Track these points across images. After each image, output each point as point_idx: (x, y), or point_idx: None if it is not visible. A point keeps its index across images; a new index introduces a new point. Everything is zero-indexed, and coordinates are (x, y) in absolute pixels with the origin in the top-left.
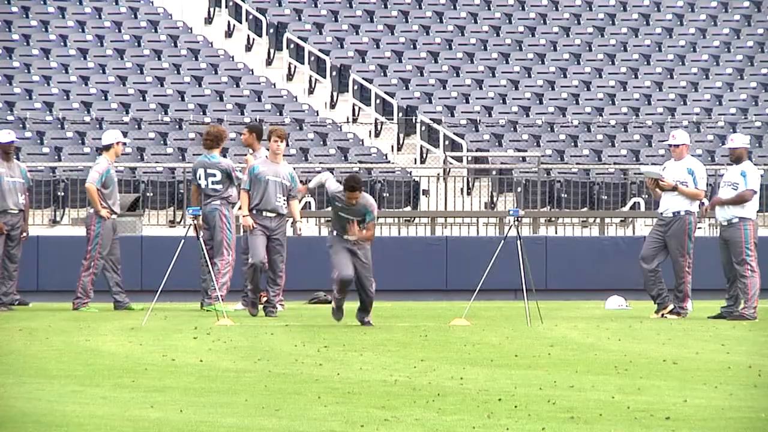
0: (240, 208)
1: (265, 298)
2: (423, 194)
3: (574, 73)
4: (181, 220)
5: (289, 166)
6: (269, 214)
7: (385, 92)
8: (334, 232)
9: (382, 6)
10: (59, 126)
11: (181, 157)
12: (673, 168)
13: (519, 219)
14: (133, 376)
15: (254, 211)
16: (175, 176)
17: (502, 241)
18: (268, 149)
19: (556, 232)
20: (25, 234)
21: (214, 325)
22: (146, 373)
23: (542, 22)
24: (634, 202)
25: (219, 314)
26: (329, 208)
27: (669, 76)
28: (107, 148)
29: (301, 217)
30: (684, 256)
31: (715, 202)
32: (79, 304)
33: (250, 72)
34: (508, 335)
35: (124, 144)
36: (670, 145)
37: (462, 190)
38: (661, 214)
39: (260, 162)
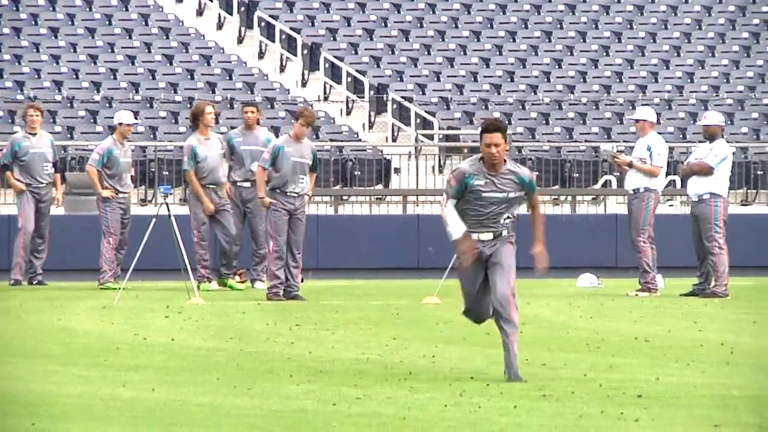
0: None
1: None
2: (394, 172)
3: (545, 51)
4: (152, 199)
5: (311, 143)
6: (292, 193)
7: (356, 70)
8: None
9: None
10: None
11: (152, 136)
12: (637, 145)
13: None
14: (106, 355)
15: (278, 192)
16: (146, 155)
17: None
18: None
19: (527, 210)
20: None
21: (185, 304)
22: (119, 352)
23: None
24: (606, 180)
25: (190, 292)
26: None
27: (641, 54)
28: (113, 128)
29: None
30: (639, 233)
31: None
32: (103, 279)
33: (221, 50)
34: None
35: (129, 126)
36: (635, 120)
37: (433, 168)
38: (626, 190)
39: (283, 140)
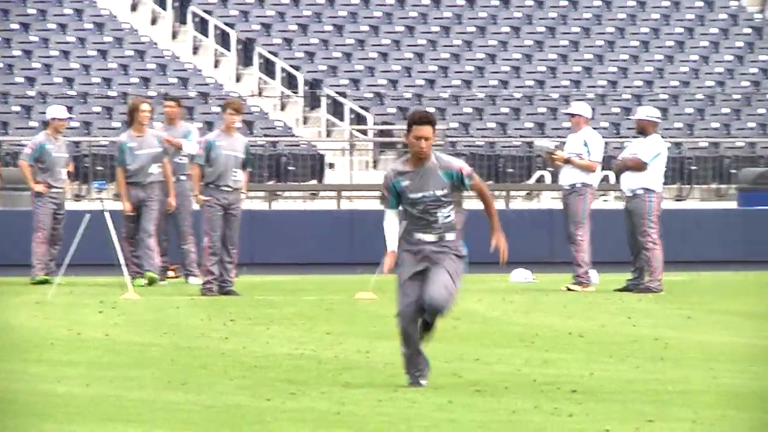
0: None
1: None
2: (328, 168)
3: (478, 46)
4: (86, 194)
5: (243, 137)
6: (227, 189)
7: (290, 66)
8: (407, 225)
9: None
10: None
11: (86, 131)
12: (571, 140)
13: None
14: (40, 351)
15: (211, 187)
16: (81, 150)
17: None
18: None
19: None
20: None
21: (120, 299)
22: (53, 348)
23: None
24: (540, 175)
25: (124, 288)
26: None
27: (574, 49)
28: (46, 123)
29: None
30: (577, 227)
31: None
32: (32, 273)
33: (155, 46)
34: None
35: (62, 121)
36: (570, 115)
37: (367, 163)
38: (562, 186)
39: (215, 135)
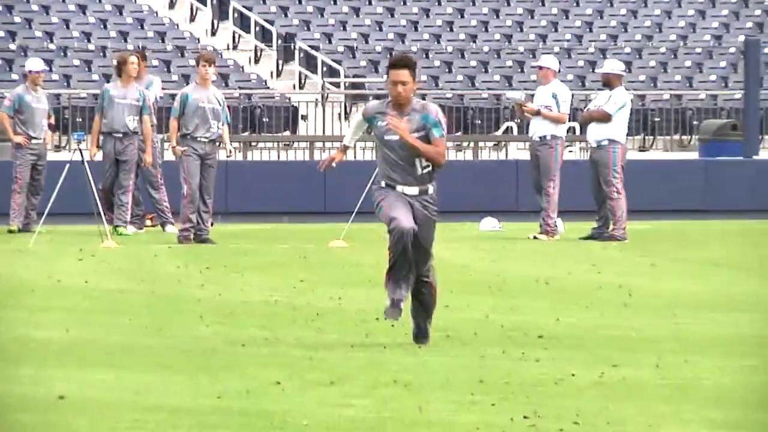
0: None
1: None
2: (302, 119)
3: (447, 2)
4: (66, 145)
5: (218, 90)
6: (203, 140)
7: (265, 20)
8: (383, 183)
9: None
10: None
11: (66, 84)
12: (540, 92)
13: None
14: (20, 297)
15: (188, 138)
16: (61, 103)
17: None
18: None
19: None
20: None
21: (99, 247)
22: (33, 294)
23: None
24: (507, 127)
25: (103, 236)
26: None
27: (541, 4)
28: (25, 76)
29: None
30: (550, 176)
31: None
32: (12, 222)
33: (133, 1)
34: (385, 256)
35: (39, 73)
36: (539, 68)
37: (339, 115)
38: (531, 137)
39: (190, 89)
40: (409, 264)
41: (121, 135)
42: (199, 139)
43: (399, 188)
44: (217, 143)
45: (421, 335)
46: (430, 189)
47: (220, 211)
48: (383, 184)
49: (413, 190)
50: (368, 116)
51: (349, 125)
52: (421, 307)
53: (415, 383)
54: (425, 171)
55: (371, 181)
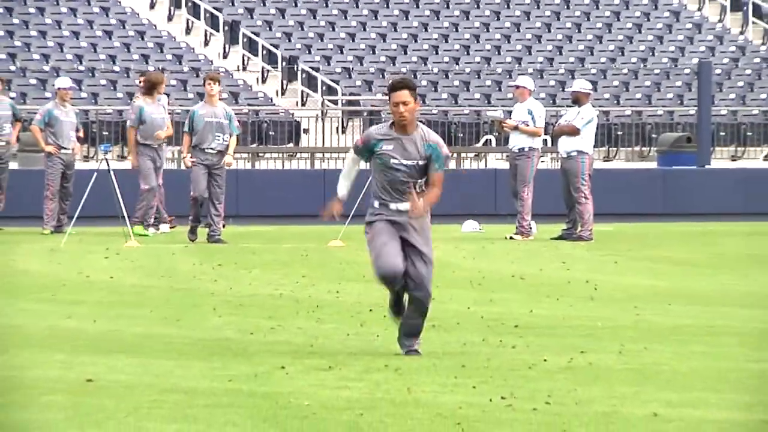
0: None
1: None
2: (303, 132)
3: (433, 28)
4: (94, 156)
5: (227, 106)
6: (210, 151)
7: (271, 44)
8: (376, 203)
9: None
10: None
11: (94, 101)
12: (517, 109)
13: None
14: (53, 291)
15: (197, 149)
16: (89, 117)
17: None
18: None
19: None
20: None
21: (123, 246)
22: (64, 289)
23: None
24: (486, 139)
25: (127, 236)
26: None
27: (516, 30)
28: (55, 92)
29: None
30: (526, 183)
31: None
32: (45, 225)
33: (154, 27)
34: None
35: (67, 90)
36: (516, 87)
37: (337, 128)
38: (510, 149)
39: (198, 106)
40: (401, 295)
41: (155, 146)
42: (206, 150)
43: (392, 206)
44: (224, 153)
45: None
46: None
47: (232, 214)
48: (376, 204)
49: (406, 206)
50: (371, 142)
51: (342, 172)
52: (413, 312)
53: (404, 368)
54: (420, 189)
55: (364, 188)
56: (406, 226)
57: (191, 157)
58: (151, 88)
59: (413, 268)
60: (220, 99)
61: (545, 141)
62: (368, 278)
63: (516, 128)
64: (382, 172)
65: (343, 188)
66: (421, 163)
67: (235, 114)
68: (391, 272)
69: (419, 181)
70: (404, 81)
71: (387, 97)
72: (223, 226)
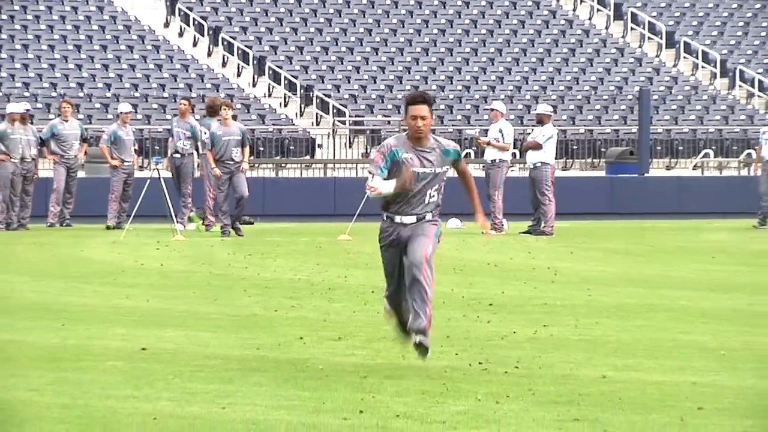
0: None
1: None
2: (318, 147)
3: (424, 62)
4: (147, 166)
5: (241, 125)
6: (228, 162)
7: (291, 75)
8: (384, 215)
9: (288, 14)
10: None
11: (147, 122)
12: (491, 129)
13: None
14: (114, 276)
15: (219, 162)
16: (143, 135)
17: None
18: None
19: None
20: (36, 177)
21: (170, 239)
22: (123, 274)
23: (401, 25)
24: (466, 152)
25: (174, 231)
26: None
27: (491, 64)
28: (118, 116)
29: (248, 161)
30: (496, 188)
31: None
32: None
33: (196, 61)
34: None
35: (127, 113)
36: (490, 110)
37: (345, 144)
38: (485, 161)
39: (215, 127)
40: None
41: (180, 155)
42: (225, 162)
43: (398, 219)
44: (241, 163)
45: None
46: (428, 216)
47: (259, 213)
48: (384, 216)
49: (411, 219)
50: (390, 151)
51: (376, 184)
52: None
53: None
54: (432, 200)
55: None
56: (406, 237)
57: (218, 169)
58: (211, 111)
59: (411, 247)
60: (233, 119)
61: (514, 154)
62: (371, 265)
63: (489, 144)
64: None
65: (389, 183)
66: (438, 170)
67: (261, 132)
68: (398, 306)
69: (431, 191)
70: (423, 96)
71: (403, 111)
72: (252, 223)
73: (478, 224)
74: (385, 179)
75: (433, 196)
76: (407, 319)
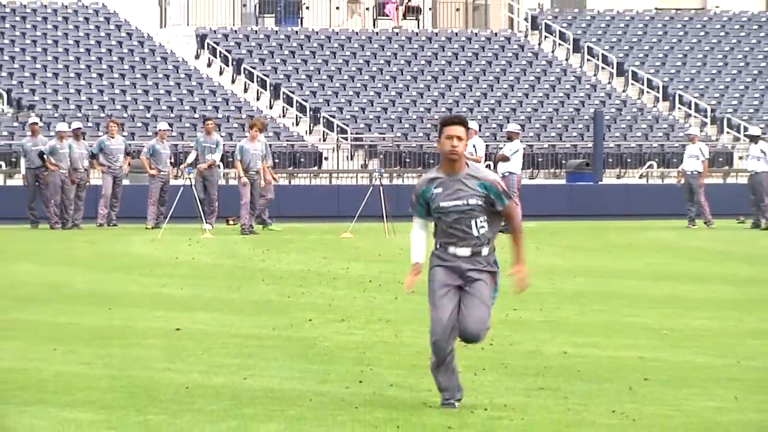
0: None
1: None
2: (324, 160)
3: (412, 89)
4: (180, 175)
5: (263, 142)
6: (252, 172)
7: (302, 99)
8: (437, 244)
9: (299, 48)
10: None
11: (180, 138)
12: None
13: (381, 174)
14: (152, 268)
15: (246, 171)
16: (178, 149)
17: (371, 187)
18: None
19: (402, 180)
20: (88, 184)
21: (201, 237)
22: (160, 266)
23: (394, 57)
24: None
25: (203, 231)
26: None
27: (470, 90)
28: (156, 133)
29: (266, 174)
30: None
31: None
32: (148, 222)
33: (222, 87)
34: (375, 242)
35: (165, 131)
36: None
37: (347, 156)
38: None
39: (244, 141)
40: (447, 364)
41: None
42: (250, 172)
43: (451, 249)
44: (260, 172)
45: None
46: (484, 251)
47: (274, 215)
48: (437, 245)
49: (465, 252)
50: (421, 191)
51: (411, 240)
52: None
53: (394, 320)
54: (482, 232)
55: (368, 192)
56: (464, 273)
57: (245, 178)
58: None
59: (468, 318)
60: (258, 139)
61: (488, 166)
62: (369, 259)
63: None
64: (436, 214)
65: (416, 253)
66: (471, 201)
67: (277, 147)
68: (443, 354)
69: (476, 221)
70: (459, 117)
71: (438, 133)
72: (271, 222)
73: (512, 274)
74: (423, 217)
75: (483, 226)
76: (446, 384)
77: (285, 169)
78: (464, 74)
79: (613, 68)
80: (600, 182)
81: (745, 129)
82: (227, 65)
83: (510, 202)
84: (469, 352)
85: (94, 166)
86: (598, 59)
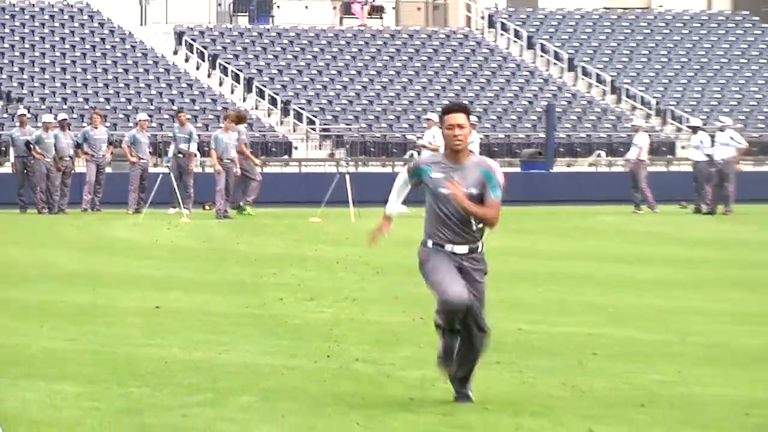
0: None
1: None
2: (294, 149)
3: (377, 83)
4: (160, 164)
5: (235, 132)
6: (227, 160)
7: (273, 92)
8: (429, 242)
9: (270, 44)
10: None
11: (160, 128)
12: (426, 134)
13: (347, 162)
14: (133, 251)
15: (220, 159)
16: (157, 139)
17: (338, 175)
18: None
19: (367, 168)
20: (73, 171)
21: (179, 221)
22: (141, 249)
23: (360, 53)
24: (410, 153)
25: (180, 215)
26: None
27: (429, 83)
28: (137, 123)
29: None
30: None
31: None
32: (129, 208)
33: (198, 81)
34: (342, 227)
35: (144, 121)
36: (426, 119)
37: (315, 146)
38: None
39: (220, 132)
40: (454, 345)
41: (182, 156)
42: (225, 160)
43: (448, 247)
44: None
45: (462, 397)
46: (480, 247)
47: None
48: (429, 243)
49: (463, 249)
50: (418, 167)
51: (392, 190)
52: (468, 353)
53: (360, 299)
54: (479, 226)
55: (332, 185)
56: (462, 267)
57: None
58: (238, 120)
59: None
60: (235, 129)
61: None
62: (336, 242)
63: (424, 146)
64: (433, 204)
65: (391, 206)
66: (474, 192)
67: (249, 137)
68: (458, 302)
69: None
70: (461, 104)
71: (440, 121)
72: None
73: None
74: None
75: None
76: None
77: (257, 158)
78: (425, 69)
79: (564, 63)
80: (552, 170)
81: (687, 120)
82: (203, 60)
83: (500, 199)
84: (429, 329)
85: (79, 154)
86: (550, 55)
